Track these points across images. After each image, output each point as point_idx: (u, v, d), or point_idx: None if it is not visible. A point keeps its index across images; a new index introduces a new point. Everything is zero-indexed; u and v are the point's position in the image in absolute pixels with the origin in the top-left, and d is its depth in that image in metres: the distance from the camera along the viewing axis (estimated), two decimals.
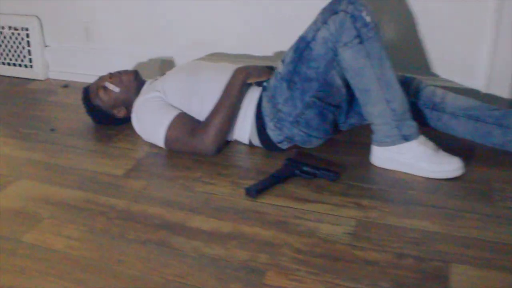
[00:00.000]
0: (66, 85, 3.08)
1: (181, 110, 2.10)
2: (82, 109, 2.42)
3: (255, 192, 1.77)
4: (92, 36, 3.02)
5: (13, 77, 3.31)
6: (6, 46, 3.27)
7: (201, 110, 2.08)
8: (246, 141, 2.10)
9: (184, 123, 2.06)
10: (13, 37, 3.21)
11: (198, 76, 2.10)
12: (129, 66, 2.93)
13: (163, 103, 2.11)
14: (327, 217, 1.66)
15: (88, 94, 2.36)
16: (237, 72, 2.02)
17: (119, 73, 2.33)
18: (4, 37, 3.25)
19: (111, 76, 2.32)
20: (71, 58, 3.16)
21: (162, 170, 2.01)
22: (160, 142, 2.08)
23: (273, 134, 1.99)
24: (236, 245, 1.54)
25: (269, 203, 1.74)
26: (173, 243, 1.56)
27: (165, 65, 2.87)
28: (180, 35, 2.81)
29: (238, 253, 1.50)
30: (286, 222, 1.63)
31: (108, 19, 2.96)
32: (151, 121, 2.11)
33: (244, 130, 2.08)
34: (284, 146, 2.03)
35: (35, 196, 1.85)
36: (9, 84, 3.20)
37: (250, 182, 1.85)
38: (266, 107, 1.96)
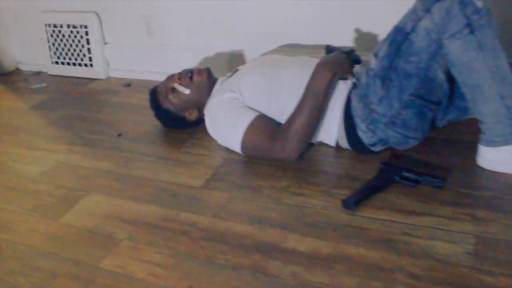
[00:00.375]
0: (128, 84, 2.95)
1: (259, 112, 1.92)
2: (147, 111, 2.28)
3: (353, 204, 1.58)
4: (154, 31, 2.88)
5: (73, 77, 3.21)
6: (65, 45, 3.17)
7: (281, 111, 1.90)
8: (332, 143, 1.91)
9: (263, 127, 1.87)
10: (72, 36, 3.10)
11: (277, 73, 1.92)
12: (194, 61, 2.80)
13: (239, 104, 1.95)
14: (441, 233, 1.45)
15: (156, 96, 2.21)
16: (319, 69, 1.81)
17: (189, 72, 2.16)
18: (63, 36, 3.14)
19: (180, 77, 2.15)
20: (132, 55, 3.04)
21: (244, 179, 1.84)
22: (237, 148, 1.92)
23: (365, 136, 1.80)
24: (341, 271, 1.36)
25: (371, 216, 1.55)
26: (269, 268, 1.39)
27: (234, 59, 2.71)
28: (249, 26, 2.64)
29: (346, 280, 1.32)
30: (393, 240, 1.44)
31: (169, 11, 2.82)
32: (226, 124, 1.94)
33: (331, 131, 1.90)
34: (377, 148, 1.84)
35: (109, 213, 1.72)
36: (69, 84, 3.11)
37: (344, 192, 1.66)
38: (357, 107, 1.77)
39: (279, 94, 1.90)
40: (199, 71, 2.17)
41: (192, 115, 2.17)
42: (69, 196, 1.86)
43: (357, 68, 1.90)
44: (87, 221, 1.70)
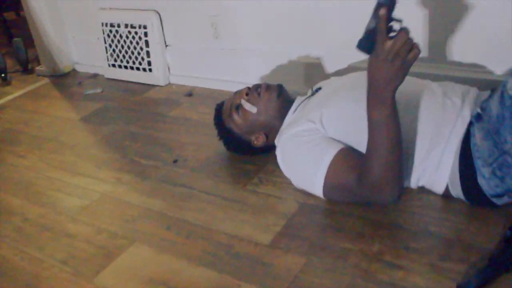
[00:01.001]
0: (190, 93, 2.64)
1: (344, 144, 1.56)
2: (211, 129, 1.98)
3: None
4: (221, 34, 2.55)
5: (130, 82, 2.94)
6: (122, 46, 2.88)
7: None
8: (440, 191, 1.53)
9: (350, 162, 1.51)
10: (130, 36, 2.80)
11: None
12: (265, 69, 2.47)
13: (319, 137, 1.60)
14: None
15: (220, 113, 1.92)
16: (368, 96, 1.40)
17: (258, 88, 1.86)
18: (120, 36, 2.86)
19: (248, 92, 1.85)
20: (196, 60, 2.74)
21: (325, 238, 1.48)
22: (317, 191, 1.58)
23: (488, 184, 1.40)
24: None
25: None
26: None
27: (310, 70, 2.35)
28: (329, 30, 2.25)
29: None
30: None
31: (240, 12, 2.47)
32: (304, 163, 1.60)
33: (439, 175, 1.52)
34: (501, 201, 1.44)
35: (154, 275, 1.43)
36: (126, 91, 2.83)
37: (457, 267, 1.30)
38: (481, 145, 1.38)
39: None
40: (268, 86, 1.86)
41: (258, 140, 1.86)
42: (109, 245, 1.57)
43: (483, 95, 1.48)
44: (126, 285, 1.38)
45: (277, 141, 1.76)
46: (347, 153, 1.53)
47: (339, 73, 2.23)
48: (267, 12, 2.37)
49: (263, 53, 2.47)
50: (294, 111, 1.81)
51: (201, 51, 2.68)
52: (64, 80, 3.20)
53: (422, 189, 1.58)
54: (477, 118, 1.43)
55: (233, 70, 2.57)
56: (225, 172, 1.92)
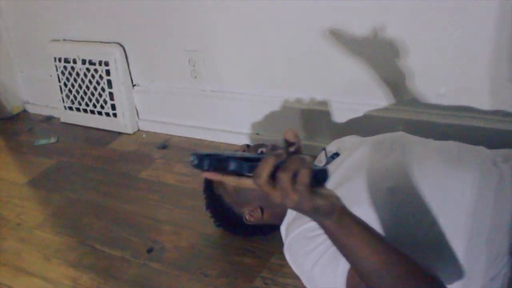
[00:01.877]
0: (164, 145, 2.20)
1: None
2: (192, 198, 1.74)
3: None
4: (200, 72, 2.12)
5: (92, 128, 2.46)
6: (80, 86, 2.45)
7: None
8: None
9: None
10: (89, 74, 2.34)
11: (424, 188, 1.15)
12: (255, 116, 2.07)
13: None
14: None
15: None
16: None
17: (260, 148, 1.43)
18: (77, 74, 2.40)
19: (245, 152, 1.43)
20: (170, 103, 2.31)
21: None
22: None
23: None
24: None
25: None
26: None
27: (309, 117, 1.96)
28: (333, 71, 1.85)
29: None
30: None
31: (223, 47, 2.05)
32: (320, 268, 1.18)
33: None
34: None
35: None
36: (86, 141, 2.40)
37: None
38: None
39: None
40: (274, 148, 1.37)
41: (252, 216, 1.43)
42: None
43: None
44: None
45: (284, 235, 1.32)
46: None
47: (349, 123, 1.85)
48: (257, 49, 1.96)
49: (252, 96, 2.06)
50: None
51: (177, 93, 2.24)
52: (11, 124, 2.75)
53: None
54: None
55: (216, 116, 2.16)
56: (217, 268, 1.49)
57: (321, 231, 1.19)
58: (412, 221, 1.13)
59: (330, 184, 1.29)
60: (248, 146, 1.49)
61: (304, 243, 1.22)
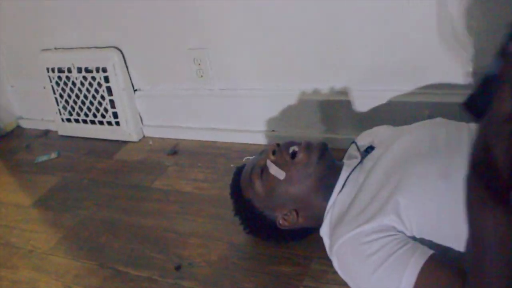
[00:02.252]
0: (175, 151, 2.10)
1: (432, 248, 1.06)
2: (214, 205, 1.66)
3: None
4: (207, 71, 2.02)
5: (93, 139, 2.34)
6: (77, 96, 2.34)
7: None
8: None
9: (445, 274, 1.01)
10: (86, 83, 2.22)
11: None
12: (269, 112, 1.97)
13: (396, 239, 1.08)
14: None
15: (239, 179, 1.42)
16: (469, 195, 0.84)
17: (292, 146, 1.35)
18: (73, 84, 2.28)
19: (277, 151, 1.35)
20: (176, 105, 2.19)
21: None
22: None
23: None
24: None
25: None
26: None
27: (329, 109, 1.84)
28: (352, 57, 1.73)
29: None
30: None
31: (231, 43, 1.93)
32: (377, 280, 1.08)
33: None
34: None
35: None
36: (89, 154, 2.29)
37: None
38: None
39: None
40: (309, 146, 1.35)
41: (287, 219, 1.35)
42: None
43: None
44: None
45: (328, 240, 1.23)
46: (439, 264, 1.03)
47: (371, 112, 1.75)
48: (266, 40, 1.84)
49: (265, 91, 1.95)
50: (343, 186, 1.28)
51: (182, 95, 2.13)
52: (7, 143, 2.61)
53: None
54: None
55: (226, 115, 2.06)
56: (254, 280, 1.38)
57: (376, 236, 1.10)
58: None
59: (371, 181, 1.20)
60: (278, 145, 1.38)
61: (361, 249, 1.12)
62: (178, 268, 1.48)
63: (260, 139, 1.95)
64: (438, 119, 1.35)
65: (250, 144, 1.95)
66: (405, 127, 1.38)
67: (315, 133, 1.87)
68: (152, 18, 2.02)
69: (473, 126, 1.21)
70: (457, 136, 1.21)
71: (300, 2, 1.69)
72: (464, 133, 1.22)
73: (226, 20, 1.87)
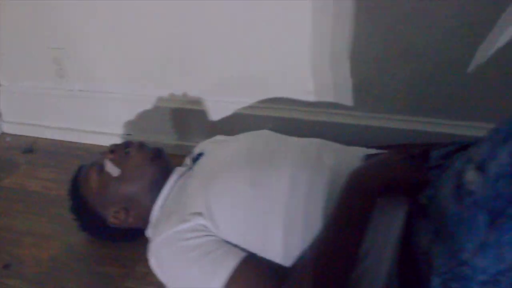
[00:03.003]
0: (30, 149, 2.10)
1: (245, 251, 1.14)
2: (57, 206, 1.65)
3: None
4: (67, 72, 2.04)
5: None
6: None
7: (283, 248, 1.13)
8: None
9: (257, 277, 1.10)
10: None
11: (278, 185, 1.14)
12: (127, 116, 2.01)
13: (211, 240, 1.16)
14: None
15: (78, 177, 1.45)
16: (352, 183, 1.03)
17: (128, 146, 1.42)
18: None
19: (115, 149, 1.40)
20: (36, 104, 2.19)
21: None
22: None
23: None
24: None
25: None
26: None
27: (183, 117, 1.92)
28: (207, 69, 1.81)
29: None
30: None
31: (91, 45, 1.95)
32: (190, 277, 1.14)
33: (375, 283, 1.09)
34: None
35: None
36: None
37: None
38: (433, 251, 1.01)
39: (282, 221, 1.13)
40: (142, 145, 1.42)
41: (117, 218, 1.38)
42: None
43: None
44: None
45: (150, 250, 1.29)
46: (251, 264, 1.12)
47: (221, 122, 1.85)
48: (127, 46, 1.89)
49: (123, 95, 2.00)
50: (171, 189, 1.35)
51: (42, 93, 2.14)
52: None
53: None
54: (420, 212, 1.05)
55: (85, 117, 2.09)
56: (77, 280, 1.42)
57: (193, 234, 1.17)
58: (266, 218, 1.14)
59: (191, 185, 1.27)
60: (116, 145, 1.43)
61: (178, 245, 1.17)
62: (6, 266, 1.50)
63: (116, 142, 1.99)
64: (266, 131, 1.45)
65: (106, 146, 1.97)
66: (239, 136, 1.47)
67: (169, 139, 1.94)
68: (13, 13, 2.00)
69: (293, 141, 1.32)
70: (276, 147, 1.31)
71: (159, 10, 1.74)
72: (289, 146, 1.31)
73: (86, 22, 1.89)
